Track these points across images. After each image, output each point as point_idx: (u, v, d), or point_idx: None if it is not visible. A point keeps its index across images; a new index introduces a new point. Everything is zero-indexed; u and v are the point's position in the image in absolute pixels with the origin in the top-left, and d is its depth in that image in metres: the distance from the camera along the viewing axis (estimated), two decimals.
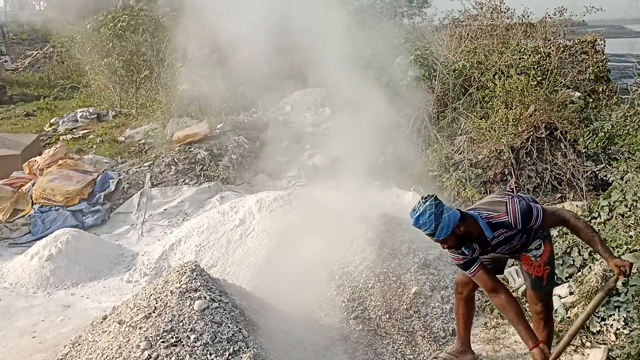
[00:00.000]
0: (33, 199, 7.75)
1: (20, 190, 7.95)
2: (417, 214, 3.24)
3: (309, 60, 7.24)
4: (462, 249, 3.42)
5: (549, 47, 8.77)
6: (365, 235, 5.43)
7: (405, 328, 4.74)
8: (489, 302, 5.03)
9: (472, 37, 9.73)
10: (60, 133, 11.68)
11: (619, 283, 4.39)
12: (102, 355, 3.61)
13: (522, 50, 8.63)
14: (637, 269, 4.43)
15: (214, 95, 10.01)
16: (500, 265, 3.94)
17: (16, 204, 7.68)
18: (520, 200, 3.34)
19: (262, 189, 7.58)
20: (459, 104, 8.56)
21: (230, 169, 8.66)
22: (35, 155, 9.13)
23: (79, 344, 4.05)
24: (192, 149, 9.04)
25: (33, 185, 7.99)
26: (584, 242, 5.04)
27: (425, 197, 3.26)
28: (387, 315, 4.78)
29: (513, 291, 4.93)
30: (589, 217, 5.67)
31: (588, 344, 4.28)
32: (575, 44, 9.22)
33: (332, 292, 5.00)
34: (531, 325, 3.65)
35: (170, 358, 3.43)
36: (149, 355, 3.45)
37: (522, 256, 3.65)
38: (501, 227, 3.33)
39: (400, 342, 4.63)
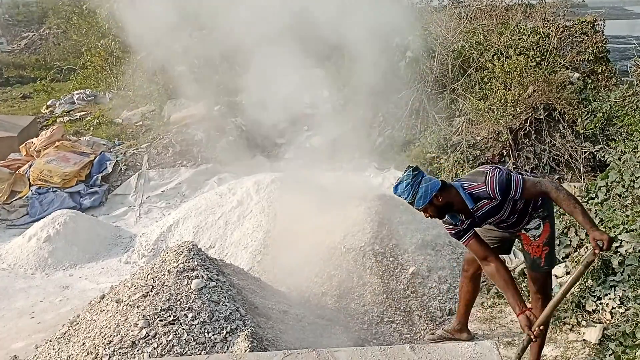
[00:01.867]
0: (30, 180, 7.74)
1: (17, 172, 7.94)
2: (397, 183, 3.36)
3: (306, 41, 7.20)
4: (449, 218, 3.47)
5: (548, 27, 8.70)
6: (363, 216, 5.43)
7: (402, 308, 4.77)
8: (485, 282, 5.05)
9: (471, 18, 9.65)
10: (57, 115, 11.63)
11: (615, 262, 4.42)
12: (100, 334, 3.62)
13: (521, 30, 8.56)
14: (633, 249, 4.44)
15: (212, 76, 9.95)
16: (506, 245, 3.95)
17: (14, 186, 7.68)
18: (500, 172, 3.34)
19: (259, 170, 7.57)
20: (457, 85, 8.51)
21: (228, 150, 8.63)
22: (32, 137, 9.10)
23: (78, 323, 4.07)
24: (189, 131, 9.01)
25: (30, 167, 7.97)
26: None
27: (407, 167, 3.35)
28: (385, 295, 4.80)
29: (511, 270, 4.94)
30: (587, 198, 5.67)
31: (584, 322, 4.31)
32: (575, 24, 9.14)
33: (329, 273, 5.02)
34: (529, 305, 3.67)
35: (168, 336, 3.45)
36: (146, 333, 3.47)
37: (522, 235, 3.65)
38: (481, 197, 3.36)
39: (397, 322, 4.66)
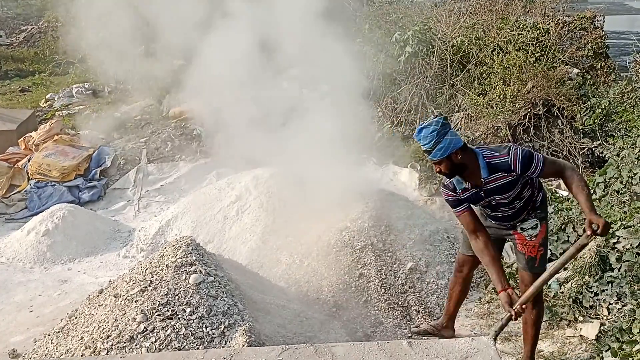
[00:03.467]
0: (29, 174, 7.73)
1: (16, 166, 7.93)
2: (422, 127, 3.24)
3: (305, 35, 7.17)
4: (454, 182, 3.39)
5: (547, 23, 8.70)
6: (361, 211, 5.44)
7: (400, 303, 4.78)
8: (483, 278, 5.07)
9: (470, 13, 9.64)
10: (55, 109, 11.60)
11: (613, 258, 4.43)
12: (98, 328, 3.63)
13: (520, 26, 8.55)
14: (630, 245, 4.46)
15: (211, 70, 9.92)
16: (497, 246, 3.87)
17: (12, 180, 7.67)
18: (523, 148, 3.28)
19: (258, 165, 7.57)
20: (456, 81, 8.50)
21: (227, 145, 8.62)
22: (30, 131, 9.08)
23: (76, 317, 4.09)
24: (188, 125, 9.00)
25: (29, 160, 7.96)
26: (579, 218, 5.10)
27: (437, 114, 3.23)
28: (383, 290, 4.82)
29: (507, 267, 4.96)
30: None
31: (581, 318, 4.32)
32: (575, 20, 9.14)
33: (327, 268, 5.03)
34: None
35: (166, 331, 3.46)
36: (145, 327, 3.48)
37: (517, 235, 3.63)
38: (499, 169, 3.27)
39: (395, 317, 4.68)
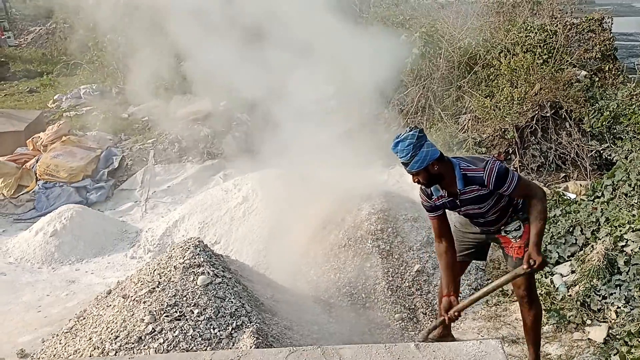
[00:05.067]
0: (37, 175, 7.78)
1: (24, 167, 7.97)
2: (398, 140, 3.25)
3: (311, 36, 7.19)
4: (432, 189, 3.43)
5: (555, 25, 8.66)
6: (368, 213, 5.44)
7: (407, 305, 4.78)
8: (490, 280, 5.05)
9: (478, 15, 9.62)
10: (63, 110, 11.65)
11: (621, 261, 4.41)
12: (106, 329, 3.65)
13: (528, 28, 8.52)
14: (639, 248, 4.44)
15: (218, 72, 9.95)
16: (482, 250, 3.90)
17: (20, 180, 7.72)
18: (500, 164, 3.32)
19: (265, 166, 7.58)
20: (463, 82, 8.48)
21: (234, 146, 8.64)
22: (39, 132, 9.12)
23: (84, 318, 4.10)
24: (195, 126, 9.02)
25: (37, 161, 8.00)
26: (586, 221, 5.08)
27: (412, 127, 3.29)
28: (390, 292, 4.81)
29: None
30: (593, 196, 5.66)
31: (588, 321, 4.31)
32: (582, 22, 9.09)
33: (334, 270, 5.03)
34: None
35: (174, 332, 3.47)
36: (153, 329, 3.49)
37: (502, 238, 3.65)
38: (474, 182, 3.31)
39: (402, 319, 4.67)
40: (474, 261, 4.17)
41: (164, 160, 8.36)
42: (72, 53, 16.19)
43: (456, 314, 3.41)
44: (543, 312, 4.44)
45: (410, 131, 3.25)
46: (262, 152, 8.08)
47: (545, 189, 6.72)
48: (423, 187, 3.45)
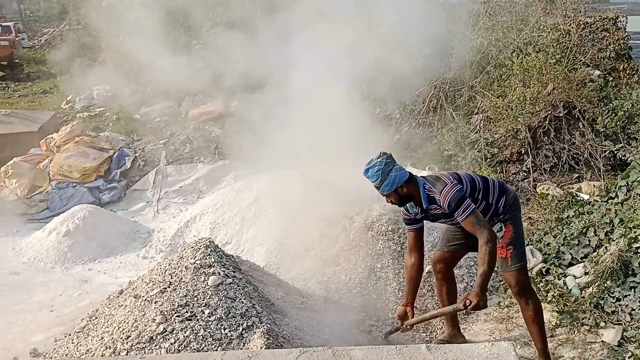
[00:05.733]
0: (50, 175, 7.84)
1: (38, 167, 8.04)
2: (368, 167, 3.54)
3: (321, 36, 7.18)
4: (407, 206, 3.69)
5: (568, 24, 8.59)
6: (379, 214, 5.42)
7: (418, 306, 4.75)
8: (502, 282, 5.02)
9: (490, 14, 9.56)
10: (76, 110, 11.76)
11: (636, 263, 4.36)
12: (118, 329, 3.67)
13: (541, 27, 8.46)
14: None
15: (230, 73, 9.98)
16: (471, 242, 3.81)
17: (34, 181, 7.79)
18: (460, 190, 3.47)
19: (276, 167, 7.59)
20: (475, 83, 8.44)
21: (245, 147, 8.66)
22: (52, 133, 9.21)
23: (96, 318, 4.13)
24: (207, 127, 9.06)
25: (50, 162, 8.07)
26: (600, 222, 5.03)
27: (381, 153, 3.54)
28: (401, 294, 4.79)
29: (529, 269, 4.90)
30: (606, 197, 5.60)
31: (602, 323, 4.26)
32: (596, 21, 9.02)
33: (345, 270, 5.02)
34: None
35: (185, 332, 3.48)
36: (164, 329, 3.50)
37: None
38: (434, 202, 3.57)
39: None
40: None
41: (175, 161, 8.40)
42: (85, 54, 16.32)
43: (408, 327, 3.82)
44: (555, 313, 4.42)
45: (378, 158, 3.54)
46: (273, 152, 8.10)
47: (558, 190, 6.67)
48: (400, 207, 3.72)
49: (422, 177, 3.68)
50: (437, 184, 3.54)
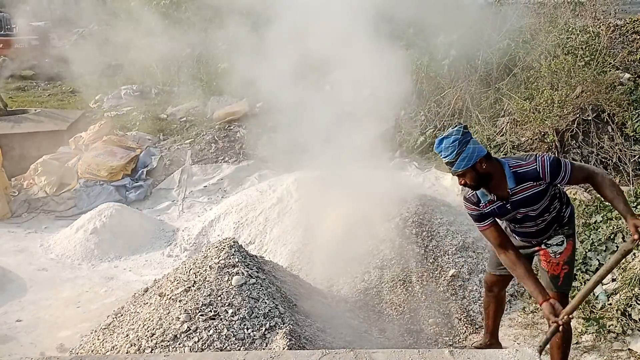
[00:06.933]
0: (79, 173, 7.97)
1: (66, 165, 8.18)
2: (442, 138, 3.05)
3: (346, 38, 7.17)
4: (478, 195, 3.17)
5: (598, 26, 8.44)
6: (403, 216, 5.41)
7: (441, 310, 4.73)
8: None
9: (518, 16, 9.45)
10: (104, 110, 11.92)
11: None
12: (143, 326, 3.71)
13: (570, 29, 8.33)
14: None
15: (254, 73, 10.03)
16: (528, 259, 3.56)
17: (62, 178, 7.92)
18: (550, 155, 3.13)
19: (300, 168, 7.61)
20: (502, 85, 8.35)
21: (269, 147, 8.69)
22: (80, 131, 9.34)
23: (122, 315, 4.19)
24: (232, 127, 9.11)
25: (79, 160, 8.20)
26: (627, 228, 4.93)
27: (456, 124, 3.10)
28: (424, 297, 4.77)
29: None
30: (635, 203, 5.50)
31: (629, 331, 4.18)
32: (627, 23, 8.85)
33: (368, 272, 5.01)
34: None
35: (209, 331, 3.51)
36: (188, 327, 3.54)
37: (542, 251, 3.44)
38: (527, 178, 3.07)
39: (436, 324, 4.63)
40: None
41: (200, 161, 8.47)
42: (113, 54, 16.52)
43: (570, 317, 3.04)
44: (582, 320, 4.36)
45: (454, 127, 3.07)
46: (297, 153, 8.12)
47: (586, 194, 6.56)
48: (468, 194, 3.21)
49: (502, 157, 3.21)
50: (525, 157, 3.11)
